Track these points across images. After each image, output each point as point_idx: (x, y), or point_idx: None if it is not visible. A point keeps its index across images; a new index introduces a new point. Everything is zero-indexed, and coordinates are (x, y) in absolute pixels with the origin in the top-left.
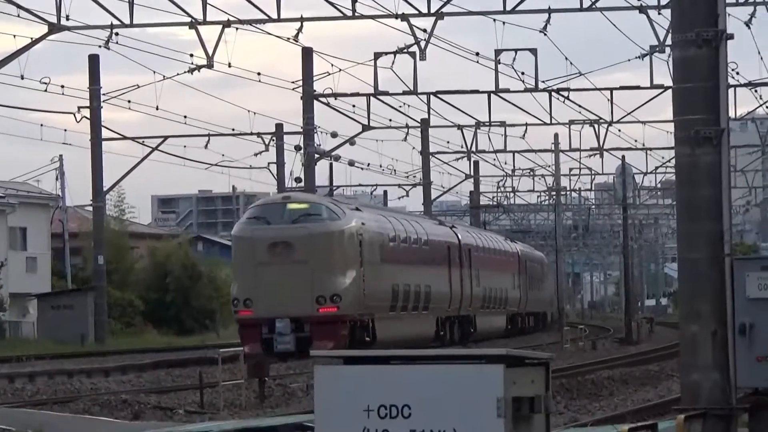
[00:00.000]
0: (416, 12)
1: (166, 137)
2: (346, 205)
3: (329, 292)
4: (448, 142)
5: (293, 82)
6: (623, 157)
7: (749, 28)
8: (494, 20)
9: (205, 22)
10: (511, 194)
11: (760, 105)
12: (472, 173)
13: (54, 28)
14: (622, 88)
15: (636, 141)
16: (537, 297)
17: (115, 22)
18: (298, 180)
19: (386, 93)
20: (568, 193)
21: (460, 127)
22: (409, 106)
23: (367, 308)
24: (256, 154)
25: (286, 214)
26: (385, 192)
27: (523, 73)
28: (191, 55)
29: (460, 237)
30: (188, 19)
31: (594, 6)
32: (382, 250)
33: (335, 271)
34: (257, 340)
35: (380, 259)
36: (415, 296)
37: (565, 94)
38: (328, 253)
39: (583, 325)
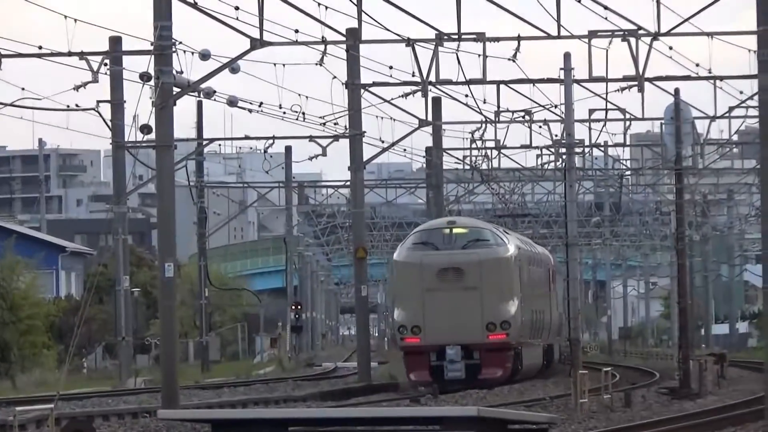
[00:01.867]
0: None
1: None
2: (503, 228)
3: (499, 319)
4: (390, 68)
5: None
6: (677, 91)
7: None
8: None
9: None
10: (494, 153)
11: None
12: (430, 118)
13: None
14: None
15: (698, 65)
16: (560, 321)
17: None
18: (145, 129)
19: None
20: (586, 150)
21: (410, 43)
22: (327, 8)
23: (522, 336)
24: (77, 88)
25: (454, 239)
26: (288, 149)
27: None
28: None
29: (551, 258)
30: None
31: None
32: (529, 275)
33: (504, 297)
34: (425, 367)
35: (528, 284)
36: (538, 324)
37: None
38: (498, 279)
39: (610, 367)
